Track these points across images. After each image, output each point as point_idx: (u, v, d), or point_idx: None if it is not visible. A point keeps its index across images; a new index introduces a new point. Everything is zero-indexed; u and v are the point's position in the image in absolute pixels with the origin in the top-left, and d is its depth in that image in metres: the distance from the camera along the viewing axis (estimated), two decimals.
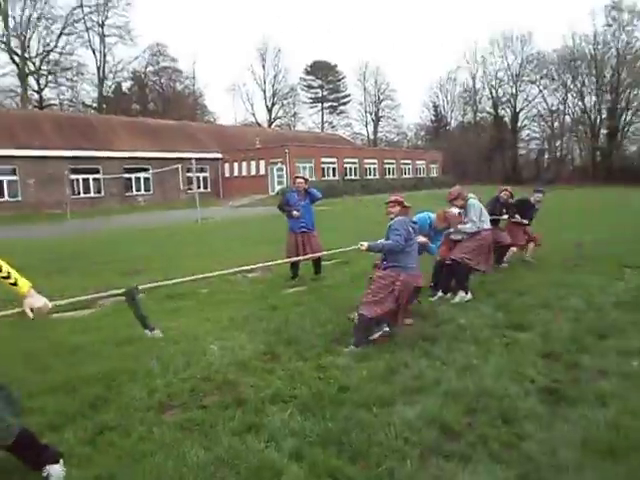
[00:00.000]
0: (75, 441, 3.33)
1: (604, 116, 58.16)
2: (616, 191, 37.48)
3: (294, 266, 8.54)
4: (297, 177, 8.85)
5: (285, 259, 8.53)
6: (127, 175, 36.77)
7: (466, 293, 6.77)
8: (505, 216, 8.94)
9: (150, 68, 63.53)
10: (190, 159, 31.24)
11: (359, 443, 3.15)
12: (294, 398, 3.85)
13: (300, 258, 7.78)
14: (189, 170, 36.29)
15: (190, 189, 37.41)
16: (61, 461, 2.93)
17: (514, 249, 9.11)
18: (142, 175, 37.21)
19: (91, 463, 3.08)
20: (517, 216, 9.19)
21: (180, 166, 28.89)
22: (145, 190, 38.16)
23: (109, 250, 13.49)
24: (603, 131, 58.50)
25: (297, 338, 5.35)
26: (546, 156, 65.53)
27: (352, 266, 9.61)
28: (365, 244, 5.29)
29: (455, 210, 6.91)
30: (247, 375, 4.41)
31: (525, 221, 9.29)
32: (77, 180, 34.65)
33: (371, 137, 75.64)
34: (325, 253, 7.26)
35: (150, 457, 3.05)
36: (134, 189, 37.80)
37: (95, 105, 59.64)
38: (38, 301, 2.82)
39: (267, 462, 2.96)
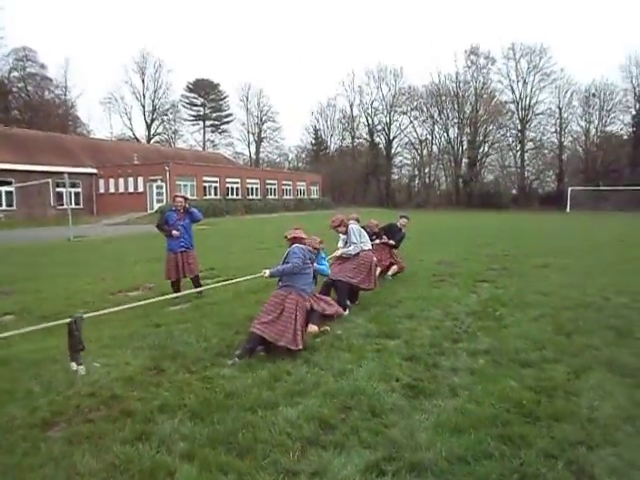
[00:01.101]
0: None
1: (465, 147, 64.40)
2: (474, 215, 41.67)
3: (175, 285, 8.57)
4: (177, 196, 8.86)
5: (165, 278, 8.61)
6: None
7: (344, 310, 7.12)
8: (377, 241, 9.80)
9: (15, 73, 58.55)
10: (60, 173, 29.31)
11: (246, 441, 3.44)
12: (183, 407, 4.03)
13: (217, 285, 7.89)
14: (59, 185, 34.07)
15: (60, 204, 35.11)
16: None
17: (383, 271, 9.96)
18: (3, 189, 34.03)
19: None
20: (384, 237, 10.11)
21: (50, 180, 26.93)
22: (7, 205, 34.88)
23: None
24: (465, 160, 64.65)
25: (182, 353, 5.49)
26: (416, 182, 70.69)
27: (235, 284, 9.82)
28: (267, 272, 5.76)
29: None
30: (134, 389, 4.49)
31: (392, 242, 10.19)
32: None
33: (253, 157, 76.27)
34: (232, 281, 7.34)
35: (39, 469, 3.08)
36: None
37: None
38: None
39: (160, 464, 3.14)
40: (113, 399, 4.27)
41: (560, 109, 60.42)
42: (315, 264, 6.61)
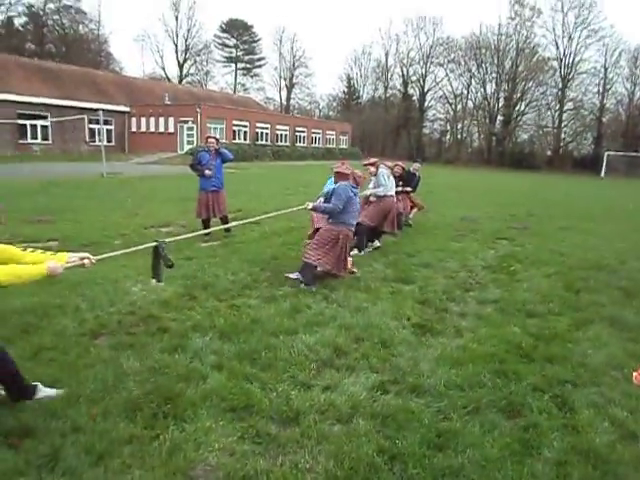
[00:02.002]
0: (16, 357, 3.75)
1: (501, 104, 62.48)
2: (504, 174, 41.06)
3: (205, 223, 9.01)
4: (209, 137, 9.22)
5: (196, 216, 9.06)
6: (21, 121, 34.11)
7: (359, 251, 7.89)
8: (399, 188, 10.09)
9: (50, 5, 58.26)
10: (95, 110, 29.71)
11: (268, 358, 3.90)
12: (213, 327, 4.51)
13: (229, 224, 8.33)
14: (92, 121, 34.58)
15: (93, 141, 35.80)
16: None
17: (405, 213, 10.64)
18: (39, 122, 34.69)
19: (33, 374, 3.54)
20: (400, 185, 10.42)
21: (86, 117, 27.41)
22: (43, 139, 35.58)
23: (11, 199, 13.01)
24: (499, 118, 62.90)
25: (212, 283, 5.97)
26: (448, 137, 69.34)
27: (261, 226, 10.24)
28: (310, 204, 6.26)
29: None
30: (169, 311, 4.98)
31: (409, 188, 10.57)
32: None
33: (284, 103, 75.45)
34: (275, 214, 7.67)
35: (91, 368, 3.59)
36: (29, 137, 35.20)
37: None
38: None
39: (194, 370, 3.62)
40: (151, 318, 4.77)
41: (605, 69, 57.82)
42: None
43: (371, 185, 8.59)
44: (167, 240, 4.45)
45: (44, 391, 3.23)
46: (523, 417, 3.24)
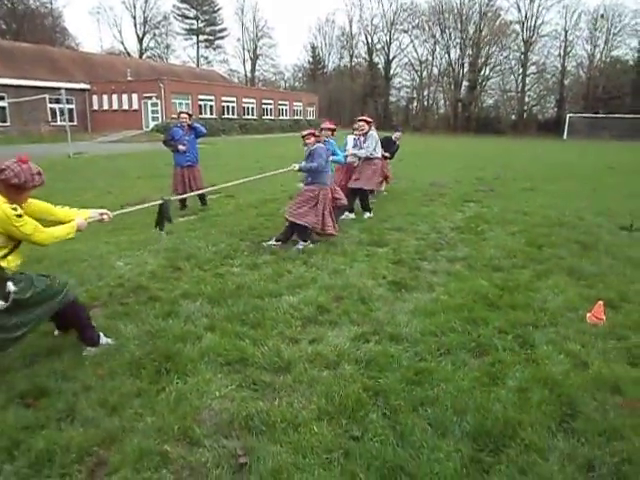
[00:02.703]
0: None
1: (466, 70, 62.91)
2: (471, 139, 41.74)
3: (182, 198, 9.14)
4: (181, 112, 9.33)
5: (172, 193, 9.15)
6: None
7: (369, 212, 8.64)
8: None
9: None
10: (55, 89, 28.93)
11: (256, 318, 4.20)
12: (201, 294, 4.76)
13: (201, 192, 8.46)
14: (52, 101, 33.60)
15: (54, 121, 34.84)
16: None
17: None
18: None
19: (33, 345, 3.76)
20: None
21: (47, 96, 26.66)
22: (0, 121, 34.56)
23: None
24: (465, 83, 63.38)
25: (195, 255, 6.20)
26: (415, 104, 69.58)
27: (236, 199, 10.44)
28: (297, 165, 6.64)
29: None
30: (156, 282, 5.21)
31: (387, 154, 10.84)
32: None
33: (248, 75, 74.28)
34: (261, 176, 7.98)
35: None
36: None
37: None
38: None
39: (189, 332, 3.90)
40: (140, 289, 4.99)
41: (566, 31, 58.69)
42: (332, 156, 7.38)
43: (349, 145, 8.81)
44: (170, 198, 4.89)
45: (105, 339, 3.72)
46: (489, 355, 3.63)
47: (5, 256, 3.18)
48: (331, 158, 7.27)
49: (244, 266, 5.78)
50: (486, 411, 2.86)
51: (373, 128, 8.82)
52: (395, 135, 11.38)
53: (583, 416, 2.86)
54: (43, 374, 3.26)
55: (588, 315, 4.36)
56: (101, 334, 3.74)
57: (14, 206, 3.10)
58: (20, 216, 3.10)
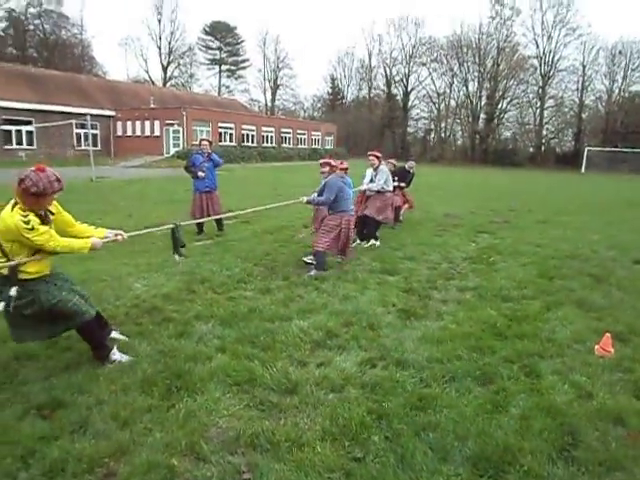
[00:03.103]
0: (36, 345, 4.12)
1: (483, 102, 63.41)
2: (488, 171, 41.84)
3: (199, 223, 9.36)
4: (202, 139, 9.63)
5: (190, 217, 9.37)
6: (7, 127, 34.05)
7: (376, 240, 8.82)
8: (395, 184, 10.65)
9: (31, 10, 57.89)
10: (79, 115, 29.85)
11: (266, 341, 4.30)
12: (214, 316, 4.89)
13: (221, 216, 8.70)
14: (78, 126, 34.63)
15: (79, 146, 35.79)
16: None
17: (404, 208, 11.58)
18: (24, 128, 34.66)
19: (53, 359, 3.90)
20: (396, 180, 11.01)
21: (74, 122, 27.52)
22: (28, 144, 35.54)
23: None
24: (482, 116, 63.82)
25: (209, 278, 6.36)
26: (432, 136, 70.12)
27: (252, 225, 10.63)
28: (305, 198, 6.93)
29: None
30: (171, 303, 5.35)
31: (403, 184, 11.25)
32: None
33: (268, 104, 75.72)
34: (272, 206, 8.39)
35: None
36: (14, 142, 35.15)
37: None
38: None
39: (200, 352, 4.01)
40: (155, 310, 5.14)
41: (584, 66, 58.98)
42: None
43: (366, 180, 9.19)
44: (180, 223, 5.12)
45: (118, 356, 3.86)
46: (494, 384, 3.67)
47: (24, 262, 3.39)
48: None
49: (257, 290, 5.90)
50: (487, 437, 2.90)
51: (383, 162, 9.18)
52: (408, 164, 11.74)
53: (584, 445, 2.88)
54: (60, 387, 3.40)
55: (596, 347, 4.38)
56: (115, 350, 3.88)
57: (27, 219, 3.28)
58: (32, 228, 3.28)
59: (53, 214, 3.61)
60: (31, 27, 58.97)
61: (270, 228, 10.22)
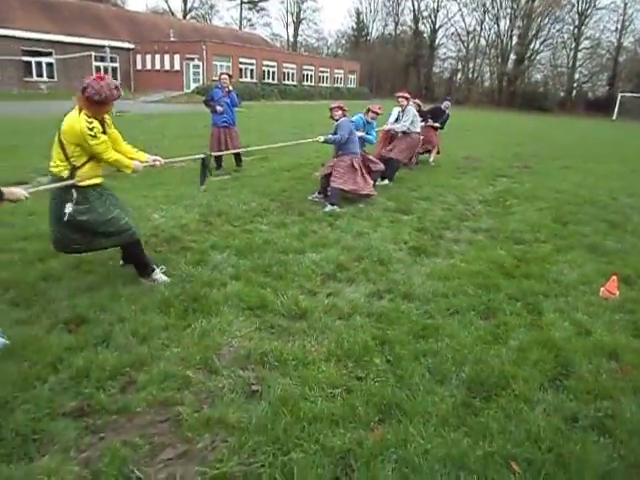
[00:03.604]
0: (60, 267, 4.35)
1: (514, 42, 60.67)
2: (514, 115, 40.63)
3: (218, 157, 9.41)
4: (223, 74, 9.48)
5: (209, 151, 9.39)
6: (27, 58, 33.76)
7: (390, 181, 8.84)
8: (423, 123, 10.48)
9: None
10: (99, 46, 29.40)
11: (279, 271, 4.47)
12: (229, 247, 5.06)
13: (229, 152, 8.67)
14: (97, 59, 34.21)
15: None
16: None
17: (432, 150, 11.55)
18: (44, 60, 34.35)
19: (77, 280, 4.13)
20: (430, 120, 11.07)
21: (93, 54, 27.19)
22: (48, 76, 35.33)
23: (24, 135, 13.39)
24: (512, 57, 61.25)
25: (226, 211, 6.50)
26: (459, 76, 67.79)
27: (270, 162, 10.65)
28: (322, 138, 7.06)
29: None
30: (189, 234, 5.52)
31: (437, 124, 11.23)
32: None
33: (291, 40, 73.45)
34: (289, 144, 8.51)
35: (126, 276, 4.18)
36: (35, 74, 34.92)
37: None
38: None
39: (215, 279, 4.20)
40: (173, 239, 5.32)
41: (625, 4, 55.68)
42: (364, 133, 7.72)
43: (391, 119, 9.18)
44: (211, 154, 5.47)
45: (160, 274, 4.12)
46: (496, 318, 3.80)
47: (81, 166, 3.67)
48: (360, 134, 7.51)
49: (272, 224, 6.04)
50: (484, 364, 3.06)
51: (411, 103, 9.14)
52: (444, 104, 11.60)
53: (575, 376, 3.03)
54: (84, 305, 3.62)
55: (601, 289, 4.46)
56: (158, 270, 4.17)
57: (92, 125, 3.55)
58: (95, 135, 3.56)
59: (108, 127, 3.85)
60: None
61: (287, 165, 10.24)
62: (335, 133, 7.03)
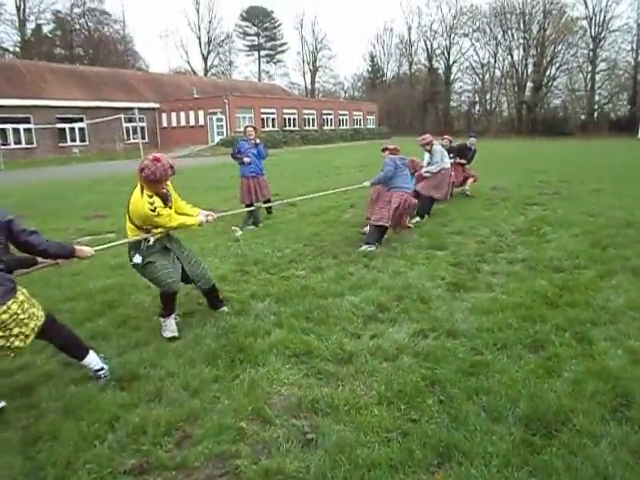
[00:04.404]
0: (108, 325, 4.47)
1: (530, 70, 61.00)
2: (536, 142, 40.48)
3: (249, 207, 9.60)
4: (248, 126, 9.78)
5: (240, 202, 9.61)
6: (61, 125, 35.53)
7: (422, 218, 8.91)
8: (451, 160, 10.63)
9: (76, 10, 59.71)
10: (127, 109, 30.81)
11: (320, 316, 4.49)
12: (269, 295, 5.12)
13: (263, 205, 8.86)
14: (126, 120, 35.78)
15: (127, 139, 36.97)
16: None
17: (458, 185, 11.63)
18: (77, 125, 36.10)
19: (126, 337, 4.23)
20: (457, 157, 11.34)
21: (123, 116, 28.45)
22: (80, 140, 37.09)
23: (63, 198, 13.96)
24: (529, 85, 61.48)
25: (261, 260, 6.59)
26: (477, 108, 68.24)
27: (299, 207, 10.82)
28: (368, 182, 7.24)
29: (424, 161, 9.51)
30: (227, 284, 5.62)
31: (464, 161, 11.46)
32: (7, 130, 33.28)
33: (308, 87, 75.62)
34: (337, 190, 8.61)
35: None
36: (69, 139, 36.67)
37: (16, 49, 55.88)
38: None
39: (259, 328, 4.25)
40: None
41: (638, 24, 55.68)
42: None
43: (425, 162, 9.44)
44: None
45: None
46: (546, 350, 3.73)
47: (148, 230, 4.08)
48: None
49: (308, 269, 6.10)
50: (539, 399, 2.99)
51: (435, 142, 9.35)
52: (470, 141, 11.86)
53: (637, 406, 2.93)
54: (134, 362, 3.70)
55: None
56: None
57: (153, 205, 3.92)
58: (158, 214, 3.93)
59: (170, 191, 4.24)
60: (76, 26, 60.81)
61: (316, 210, 10.39)
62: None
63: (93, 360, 3.48)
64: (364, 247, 6.85)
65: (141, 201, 3.93)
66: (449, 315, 4.46)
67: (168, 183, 4.18)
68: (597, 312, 4.41)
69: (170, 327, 4.26)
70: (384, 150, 7.55)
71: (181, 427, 2.93)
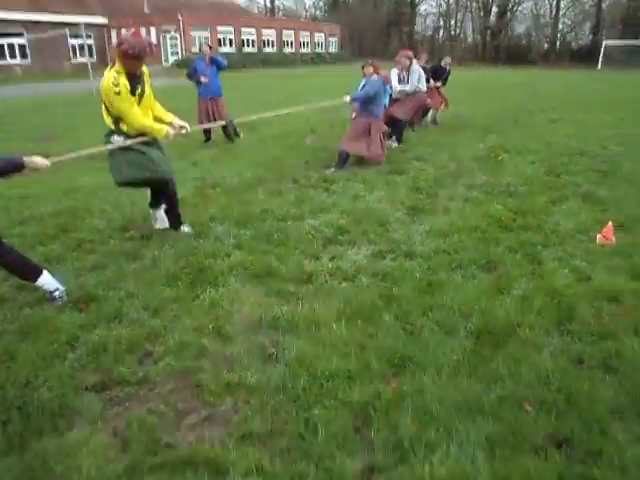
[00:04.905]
0: (62, 249, 4.35)
1: None
2: (500, 70, 40.26)
3: (206, 131, 9.31)
4: (203, 45, 9.30)
5: (197, 124, 9.26)
6: None
7: (399, 143, 8.83)
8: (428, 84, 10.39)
9: None
10: (73, 24, 28.49)
11: (280, 238, 4.51)
12: (228, 218, 5.07)
13: (217, 124, 8.54)
14: (72, 37, 33.26)
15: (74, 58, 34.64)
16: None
17: (437, 108, 11.38)
18: (16, 40, 33.37)
19: (81, 261, 4.15)
20: (432, 80, 10.83)
21: (68, 31, 26.41)
22: (22, 57, 34.47)
23: (5, 120, 13.14)
24: (494, 10, 60.14)
25: (220, 183, 6.49)
26: (441, 33, 66.63)
27: (257, 132, 10.55)
28: (348, 97, 6.91)
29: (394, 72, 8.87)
30: (186, 208, 5.48)
31: (439, 83, 11.05)
32: None
33: (268, 5, 71.60)
34: (312, 106, 8.19)
35: (129, 254, 4.19)
36: (8, 57, 33.98)
37: None
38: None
39: (218, 250, 4.23)
40: None
41: None
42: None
43: (394, 81, 8.79)
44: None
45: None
46: (498, 270, 3.88)
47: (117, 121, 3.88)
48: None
49: (268, 193, 6.04)
50: (490, 314, 3.14)
51: (415, 62, 8.84)
52: (444, 61, 11.48)
53: (579, 320, 3.12)
54: (91, 284, 3.65)
55: (598, 236, 4.54)
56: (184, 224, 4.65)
57: (117, 81, 3.68)
58: (118, 93, 3.69)
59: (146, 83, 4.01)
60: None
61: (277, 134, 10.16)
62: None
63: (48, 281, 3.40)
64: (332, 170, 7.00)
65: (108, 74, 3.76)
66: (407, 238, 4.55)
67: (144, 70, 3.96)
68: (548, 235, 4.59)
69: (160, 217, 4.53)
70: (367, 66, 7.29)
71: (142, 345, 2.95)
